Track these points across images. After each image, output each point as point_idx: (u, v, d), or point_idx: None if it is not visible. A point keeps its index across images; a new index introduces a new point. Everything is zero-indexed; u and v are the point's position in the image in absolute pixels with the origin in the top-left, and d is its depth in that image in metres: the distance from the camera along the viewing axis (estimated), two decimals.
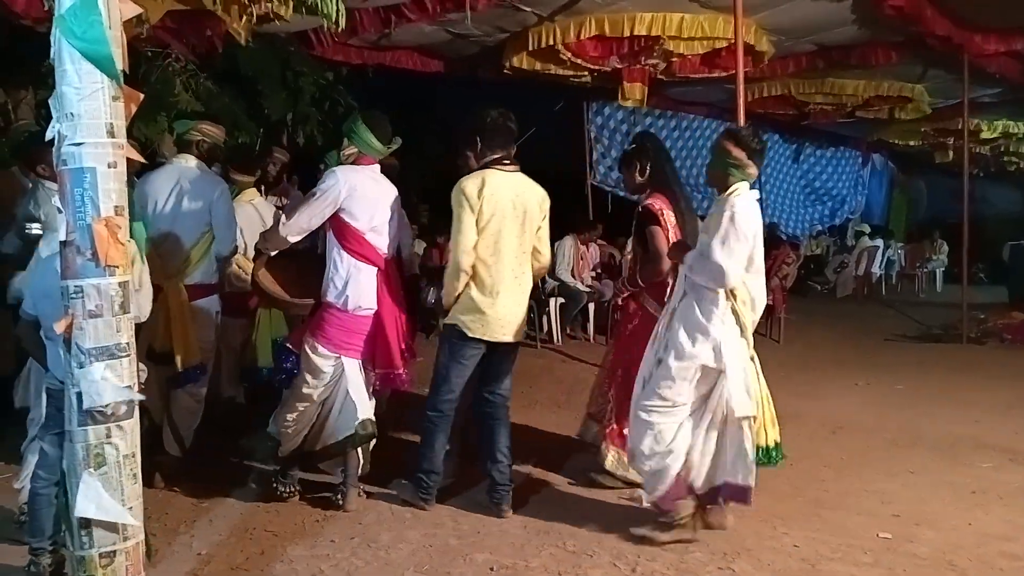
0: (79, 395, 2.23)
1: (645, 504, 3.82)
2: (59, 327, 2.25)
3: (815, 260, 15.57)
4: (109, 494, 2.27)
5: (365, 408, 4.03)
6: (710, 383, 3.62)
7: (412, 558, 3.53)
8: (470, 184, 3.86)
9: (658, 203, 4.31)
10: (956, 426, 5.68)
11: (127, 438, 2.30)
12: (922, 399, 6.61)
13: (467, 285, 3.90)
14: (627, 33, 6.28)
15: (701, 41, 6.77)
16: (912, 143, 14.16)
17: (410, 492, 4.07)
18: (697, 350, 3.58)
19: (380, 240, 4.02)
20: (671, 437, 3.63)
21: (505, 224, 3.88)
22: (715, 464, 3.64)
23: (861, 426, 5.66)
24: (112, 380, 2.25)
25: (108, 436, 2.26)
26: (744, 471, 3.59)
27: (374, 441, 4.18)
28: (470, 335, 3.91)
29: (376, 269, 4.00)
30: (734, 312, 3.62)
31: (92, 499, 2.24)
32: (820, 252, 16.12)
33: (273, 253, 4.08)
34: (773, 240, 11.01)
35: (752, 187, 3.70)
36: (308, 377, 4.00)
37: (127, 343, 2.29)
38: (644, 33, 6.25)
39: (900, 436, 5.42)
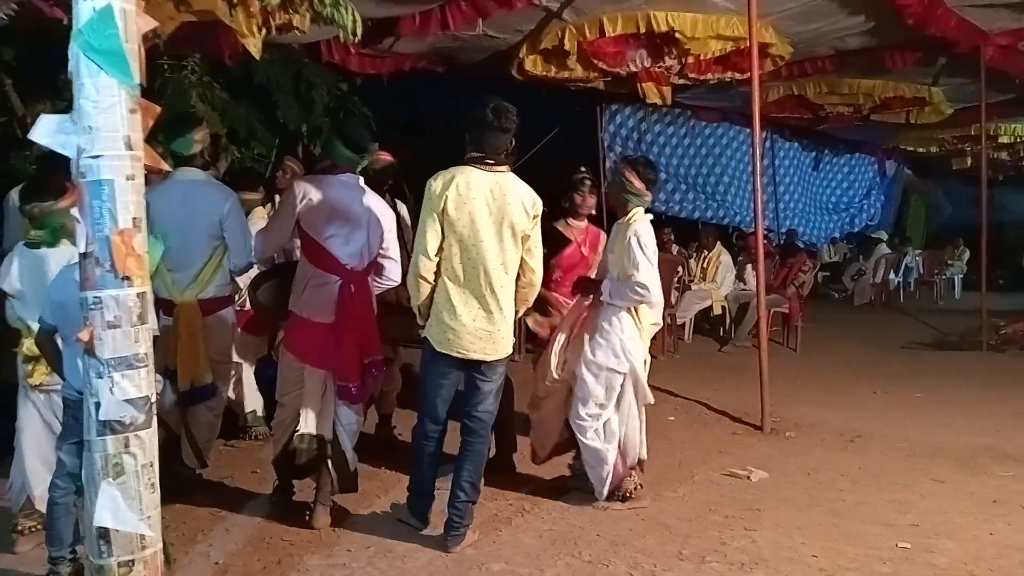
0: (97, 405, 2.25)
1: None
2: (83, 335, 2.27)
3: (832, 267, 15.47)
4: (127, 503, 2.28)
5: (309, 421, 3.87)
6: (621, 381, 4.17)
7: (428, 567, 3.53)
8: (436, 182, 3.55)
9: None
10: (975, 435, 5.63)
11: (145, 448, 2.31)
12: (941, 408, 6.55)
13: (436, 296, 3.63)
14: (643, 30, 6.28)
15: (716, 40, 6.72)
16: (930, 149, 14.06)
17: (404, 513, 3.95)
18: (606, 359, 4.11)
19: (341, 249, 3.81)
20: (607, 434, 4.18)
21: (477, 229, 3.52)
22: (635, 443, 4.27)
23: (879, 435, 5.61)
24: (130, 390, 2.27)
25: (126, 446, 2.28)
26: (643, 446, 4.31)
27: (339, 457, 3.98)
28: (438, 350, 3.65)
29: (337, 279, 3.80)
30: (632, 317, 4.13)
31: (109, 508, 2.26)
32: (837, 259, 16.01)
33: (265, 269, 4.18)
34: (790, 248, 10.98)
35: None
36: (279, 383, 4.00)
37: (145, 353, 2.31)
38: (661, 30, 6.25)
39: (918, 445, 5.37)
